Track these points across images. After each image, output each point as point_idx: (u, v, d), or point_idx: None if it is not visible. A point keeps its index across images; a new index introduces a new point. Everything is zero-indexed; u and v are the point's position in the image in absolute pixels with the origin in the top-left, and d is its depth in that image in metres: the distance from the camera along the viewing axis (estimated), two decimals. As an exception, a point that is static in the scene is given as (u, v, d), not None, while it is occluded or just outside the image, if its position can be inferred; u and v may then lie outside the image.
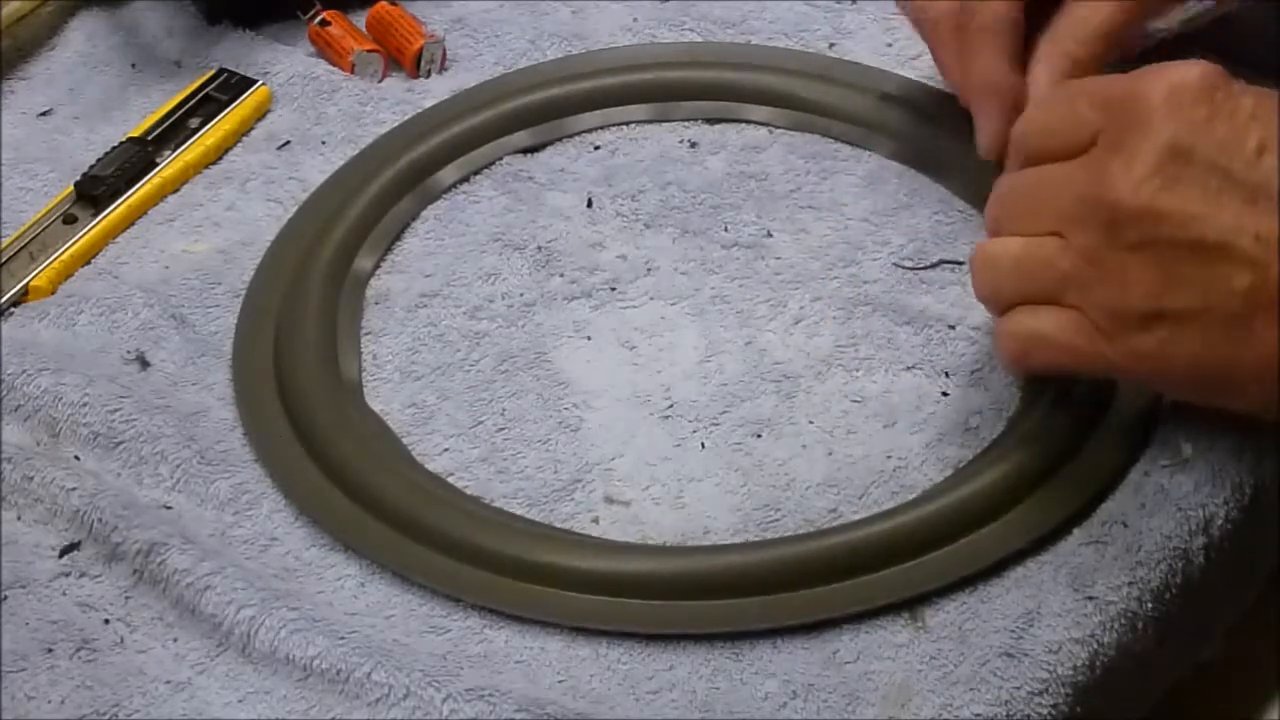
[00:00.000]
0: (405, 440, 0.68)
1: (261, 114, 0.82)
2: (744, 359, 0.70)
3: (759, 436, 0.68)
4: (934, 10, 0.73)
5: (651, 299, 0.73)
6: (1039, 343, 0.62)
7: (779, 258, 0.74)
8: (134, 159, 0.78)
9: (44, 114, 0.83)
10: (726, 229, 0.76)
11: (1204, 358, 0.58)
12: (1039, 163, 0.62)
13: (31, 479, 0.66)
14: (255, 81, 0.82)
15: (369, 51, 0.84)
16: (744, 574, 0.62)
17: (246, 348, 0.72)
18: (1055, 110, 0.63)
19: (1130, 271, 0.58)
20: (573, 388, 0.70)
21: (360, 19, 0.86)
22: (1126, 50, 0.72)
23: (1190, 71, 0.59)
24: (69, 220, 0.77)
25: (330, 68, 0.84)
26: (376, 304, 0.74)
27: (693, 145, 0.80)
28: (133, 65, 0.85)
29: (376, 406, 0.70)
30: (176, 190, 0.79)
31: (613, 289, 0.73)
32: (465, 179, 0.79)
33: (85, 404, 0.68)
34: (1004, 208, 0.63)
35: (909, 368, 0.70)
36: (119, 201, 0.77)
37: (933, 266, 0.73)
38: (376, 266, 0.75)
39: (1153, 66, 0.60)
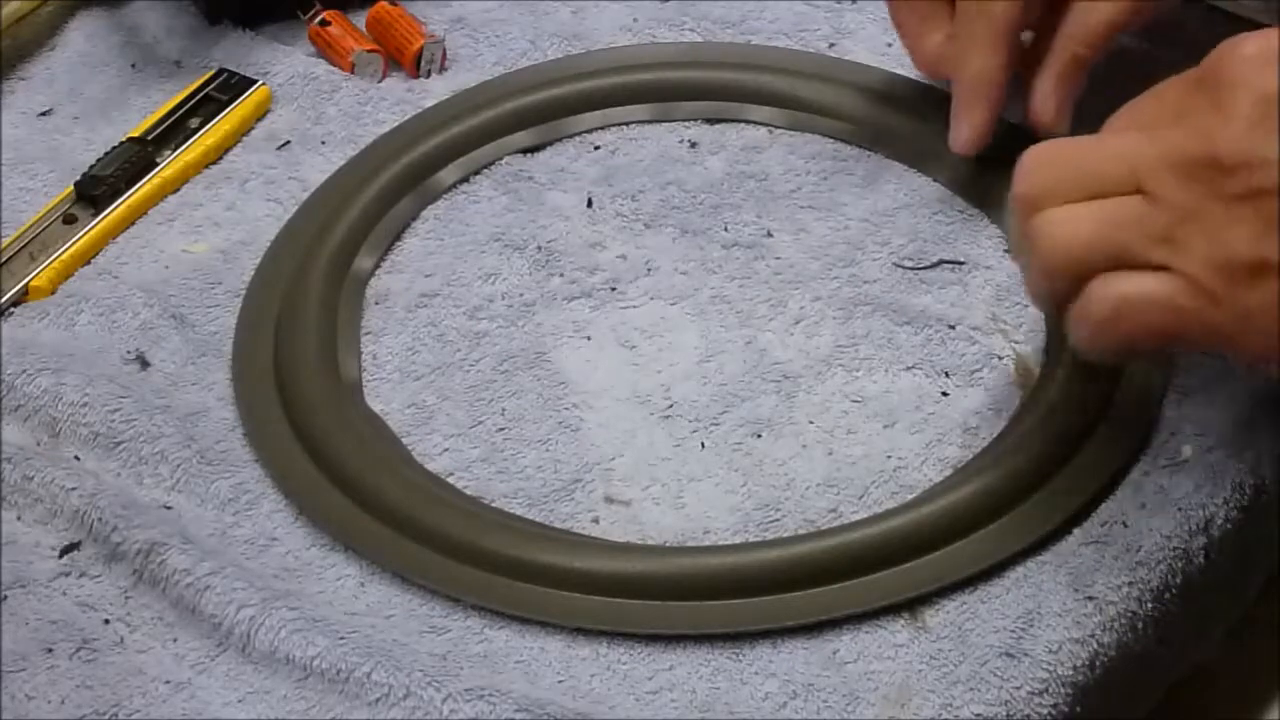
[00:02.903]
0: (405, 440, 0.68)
1: (261, 114, 0.82)
2: (744, 359, 0.70)
3: (759, 436, 0.68)
4: None
5: (651, 299, 0.73)
6: (1138, 306, 0.59)
7: (779, 258, 0.74)
8: (134, 159, 0.78)
9: (44, 114, 0.83)
10: (726, 229, 0.76)
11: None
12: None
13: (31, 479, 0.66)
14: (255, 81, 0.82)
15: (369, 51, 0.84)
16: (744, 574, 0.62)
17: (246, 348, 0.72)
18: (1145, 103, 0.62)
19: (1232, 223, 0.57)
20: (573, 388, 0.70)
21: (360, 19, 0.86)
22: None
23: (1273, 35, 0.59)
24: (69, 220, 0.77)
25: (330, 68, 0.84)
26: (376, 304, 0.74)
27: (693, 145, 0.80)
28: (133, 65, 0.85)
29: (376, 406, 0.70)
30: (176, 190, 0.79)
31: (613, 289, 0.73)
32: (465, 179, 0.79)
33: (85, 404, 0.68)
34: (1053, 175, 0.61)
35: (909, 368, 0.70)
36: (119, 201, 0.77)
37: (933, 266, 0.73)
38: (376, 266, 0.75)
39: (1235, 37, 0.60)
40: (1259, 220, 0.57)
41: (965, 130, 0.72)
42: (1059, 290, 0.61)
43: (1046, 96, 0.71)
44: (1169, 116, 0.60)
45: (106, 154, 0.79)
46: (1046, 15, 0.72)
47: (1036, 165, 0.61)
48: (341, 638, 0.61)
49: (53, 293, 0.74)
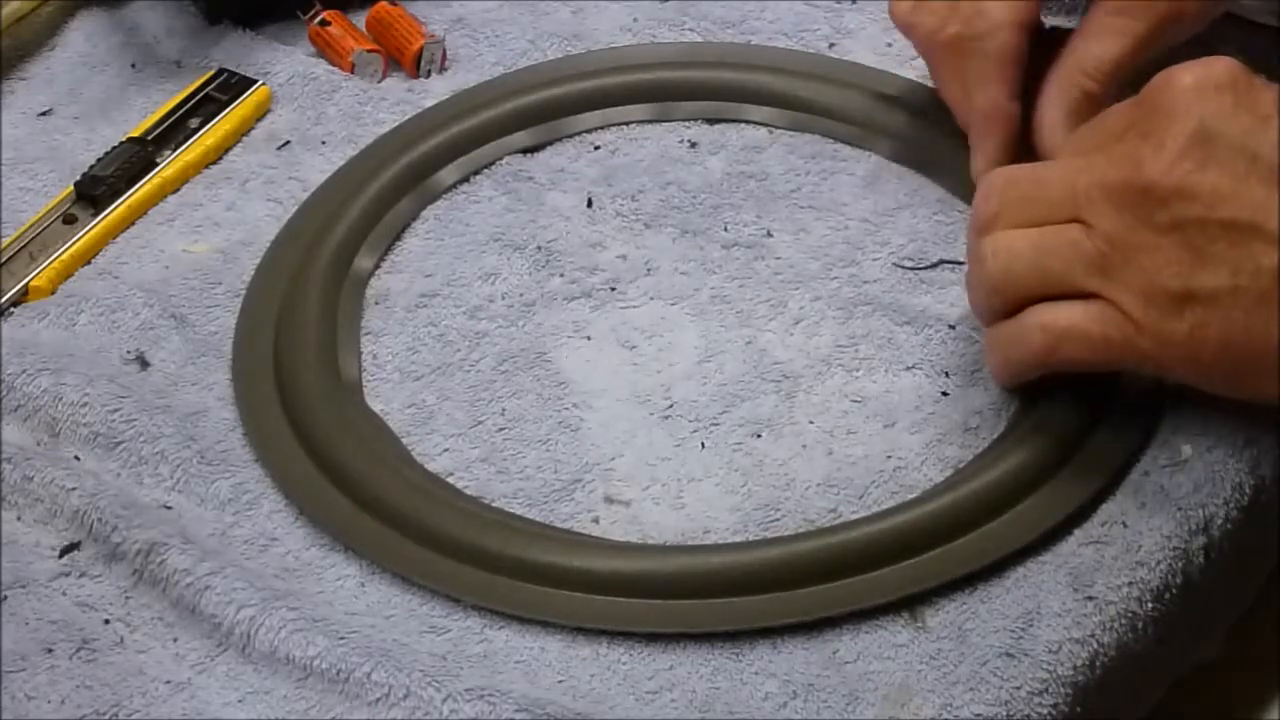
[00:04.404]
0: (405, 440, 0.68)
1: (261, 114, 0.82)
2: (744, 359, 0.70)
3: (759, 436, 0.68)
4: (926, 23, 0.73)
5: (651, 299, 0.73)
6: (1069, 336, 0.61)
7: (779, 258, 0.74)
8: (134, 159, 0.78)
9: (44, 114, 0.83)
10: (726, 229, 0.76)
11: (1234, 340, 0.59)
12: None
13: (31, 479, 0.66)
14: (255, 81, 0.82)
15: (369, 51, 0.84)
16: (744, 574, 0.62)
17: (246, 348, 0.72)
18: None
19: (1160, 253, 0.59)
20: (573, 388, 0.70)
21: (360, 19, 0.86)
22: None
23: (1214, 65, 0.60)
24: (69, 220, 0.77)
25: (330, 68, 0.84)
26: (376, 304, 0.74)
27: (693, 145, 0.80)
28: (133, 65, 0.85)
29: (376, 406, 0.70)
30: (176, 190, 0.79)
31: (613, 289, 0.73)
32: (465, 179, 0.79)
33: (85, 404, 0.68)
34: (1006, 199, 0.63)
35: (909, 368, 0.70)
36: (119, 201, 0.77)
37: (933, 266, 0.73)
38: (376, 266, 0.75)
39: (1176, 65, 0.60)
40: (1186, 251, 0.58)
41: (980, 161, 0.73)
42: (996, 308, 0.64)
43: (1055, 128, 0.70)
44: (1110, 143, 0.61)
45: (106, 154, 0.79)
46: (1045, 44, 0.72)
47: (991, 189, 0.64)
48: (341, 638, 0.61)
49: (53, 293, 0.74)
